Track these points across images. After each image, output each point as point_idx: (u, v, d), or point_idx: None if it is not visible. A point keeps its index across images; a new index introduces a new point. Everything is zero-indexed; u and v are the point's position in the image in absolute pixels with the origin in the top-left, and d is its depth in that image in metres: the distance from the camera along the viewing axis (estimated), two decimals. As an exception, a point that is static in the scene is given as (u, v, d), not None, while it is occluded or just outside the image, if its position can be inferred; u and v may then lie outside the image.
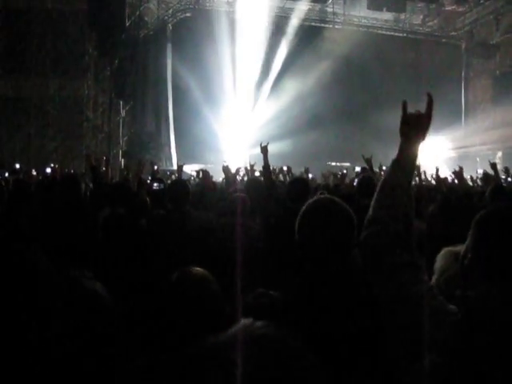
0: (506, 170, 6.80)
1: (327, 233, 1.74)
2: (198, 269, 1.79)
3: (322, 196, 1.94)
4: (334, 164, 16.76)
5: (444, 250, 1.94)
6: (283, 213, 4.18)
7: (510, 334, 1.10)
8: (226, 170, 5.85)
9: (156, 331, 1.71)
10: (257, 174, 7.53)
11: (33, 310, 1.38)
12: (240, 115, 18.40)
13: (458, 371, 1.10)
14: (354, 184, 6.11)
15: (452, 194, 4.87)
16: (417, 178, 6.49)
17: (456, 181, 6.11)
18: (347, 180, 6.91)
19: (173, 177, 8.19)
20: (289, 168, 7.59)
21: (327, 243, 1.74)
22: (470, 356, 1.09)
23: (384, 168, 7.21)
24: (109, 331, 1.54)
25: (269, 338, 0.72)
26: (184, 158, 17.52)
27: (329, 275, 1.76)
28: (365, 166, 6.45)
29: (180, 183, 4.59)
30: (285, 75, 18.27)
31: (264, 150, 4.99)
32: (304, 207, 1.85)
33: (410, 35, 19.99)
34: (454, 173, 6.10)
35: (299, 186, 4.47)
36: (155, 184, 5.18)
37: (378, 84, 18.47)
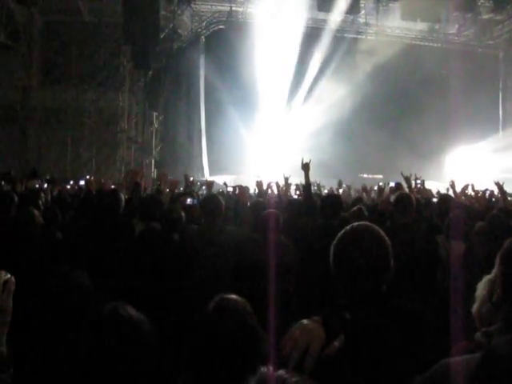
0: None
1: (362, 262, 1.79)
2: (237, 299, 1.73)
3: (357, 223, 1.96)
4: (366, 176, 16.63)
5: (486, 278, 1.94)
6: (316, 229, 4.21)
7: None
8: (259, 185, 5.90)
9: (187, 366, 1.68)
10: (292, 187, 7.53)
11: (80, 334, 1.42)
12: (273, 126, 18.46)
13: None
14: (391, 200, 6.06)
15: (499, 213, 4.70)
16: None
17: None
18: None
19: (203, 188, 8.28)
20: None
21: (362, 271, 1.78)
22: None
23: (420, 183, 7.12)
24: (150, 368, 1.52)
25: None
26: (216, 169, 17.72)
27: (362, 298, 1.80)
28: (399, 181, 6.39)
29: (213, 198, 4.66)
30: (318, 86, 18.28)
31: (305, 166, 4.86)
32: (341, 234, 1.89)
33: (444, 45, 19.72)
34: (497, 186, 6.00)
35: (332, 201, 4.47)
36: (188, 199, 5.27)
37: (413, 95, 18.25)
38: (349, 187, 8.67)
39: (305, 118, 18.37)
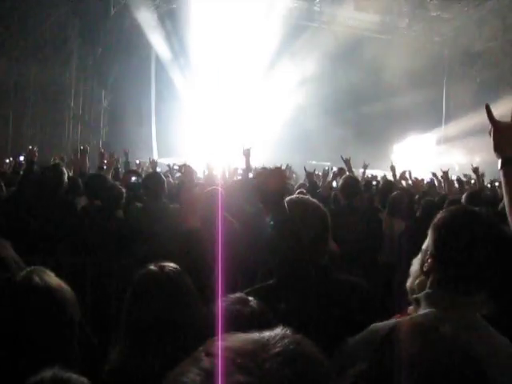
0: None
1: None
2: (173, 265, 1.79)
3: (295, 196, 1.99)
4: (314, 163, 16.87)
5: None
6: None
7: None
8: (209, 167, 5.89)
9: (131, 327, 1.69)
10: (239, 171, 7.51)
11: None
12: (224, 109, 18.34)
13: None
14: (333, 185, 6.20)
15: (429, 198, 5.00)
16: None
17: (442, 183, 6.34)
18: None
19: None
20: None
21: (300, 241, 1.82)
22: None
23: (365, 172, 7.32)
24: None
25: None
26: (165, 151, 17.45)
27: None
28: (342, 166, 6.52)
29: (155, 176, 4.60)
30: (271, 73, 18.28)
31: (246, 153, 5.07)
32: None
33: (395, 38, 20.17)
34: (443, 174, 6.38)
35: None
36: (133, 178, 5.18)
37: (362, 85, 18.64)
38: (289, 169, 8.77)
39: (257, 103, 18.38)
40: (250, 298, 1.63)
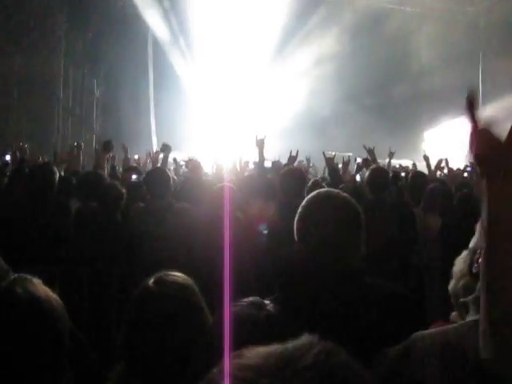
0: None
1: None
2: (179, 276, 1.78)
3: (325, 190, 1.99)
4: (333, 153, 16.80)
5: (464, 253, 2.00)
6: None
7: None
8: (218, 166, 5.91)
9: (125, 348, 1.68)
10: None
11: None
12: (231, 98, 18.32)
13: None
14: (357, 178, 6.18)
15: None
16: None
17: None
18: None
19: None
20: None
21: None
22: None
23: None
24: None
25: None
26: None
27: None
28: (365, 157, 6.50)
29: (159, 171, 4.61)
30: (282, 53, 18.24)
31: (260, 143, 5.06)
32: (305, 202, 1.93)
33: (422, 9, 19.99)
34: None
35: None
36: (133, 176, 5.21)
37: (384, 63, 18.47)
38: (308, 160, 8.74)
39: (267, 89, 18.33)
40: (267, 302, 1.60)
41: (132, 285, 3.57)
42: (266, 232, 4.32)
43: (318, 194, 1.95)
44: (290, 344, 0.65)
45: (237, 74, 18.21)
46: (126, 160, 6.50)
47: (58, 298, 1.53)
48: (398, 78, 18.51)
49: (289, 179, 4.50)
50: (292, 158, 6.30)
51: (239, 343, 0.68)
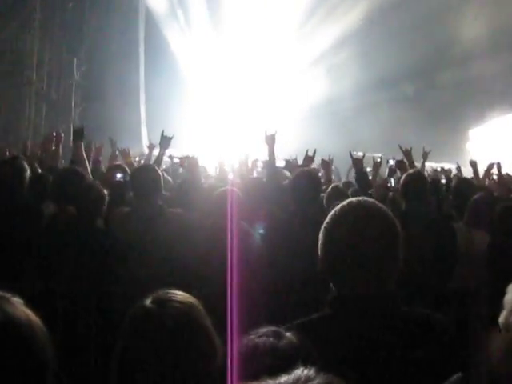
0: None
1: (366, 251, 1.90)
2: (182, 294, 1.75)
3: (357, 199, 2.01)
4: (359, 154, 16.75)
5: None
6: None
7: None
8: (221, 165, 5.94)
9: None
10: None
11: None
12: (238, 85, 18.33)
13: None
14: (389, 184, 6.16)
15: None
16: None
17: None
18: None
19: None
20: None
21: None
22: None
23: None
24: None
25: None
26: (159, 139, 17.46)
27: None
28: (399, 158, 6.48)
29: (147, 169, 4.62)
30: (299, 33, 18.26)
31: (270, 139, 5.07)
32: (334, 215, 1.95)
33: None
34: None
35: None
36: (118, 175, 5.21)
37: (421, 46, 18.36)
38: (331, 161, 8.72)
39: (280, 77, 18.33)
40: (285, 331, 1.63)
41: (116, 306, 3.60)
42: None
43: (350, 203, 1.96)
44: (284, 378, 0.71)
45: (244, 57, 18.21)
46: (114, 156, 6.52)
47: (41, 324, 1.50)
48: (439, 63, 18.44)
49: (301, 183, 4.51)
50: (308, 159, 6.31)
51: (256, 377, 0.69)
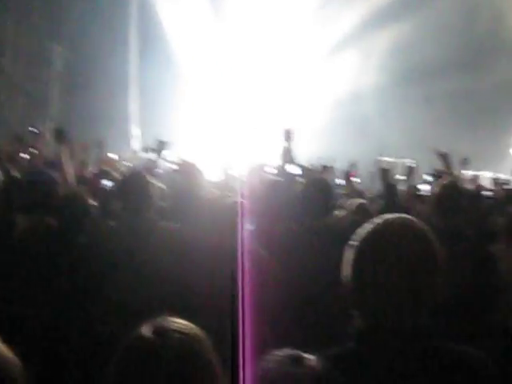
0: None
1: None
2: (183, 323, 1.75)
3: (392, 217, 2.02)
4: (387, 159, 16.76)
5: None
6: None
7: None
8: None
9: None
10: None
11: None
12: (245, 77, 18.37)
13: None
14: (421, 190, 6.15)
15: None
16: None
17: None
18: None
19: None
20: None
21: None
22: None
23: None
24: None
25: None
26: (151, 138, 17.48)
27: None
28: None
29: (137, 177, 4.62)
30: (316, 20, 18.33)
31: (288, 135, 5.06)
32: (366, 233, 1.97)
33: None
34: None
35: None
36: (105, 182, 5.23)
37: (461, 38, 18.41)
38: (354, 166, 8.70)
39: (295, 70, 18.39)
40: (307, 356, 1.66)
41: (100, 333, 3.60)
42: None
43: (386, 222, 1.99)
44: None
45: (253, 46, 18.26)
46: (102, 159, 6.54)
47: (15, 359, 1.52)
48: (481, 60, 18.41)
49: (311, 193, 4.54)
50: (327, 170, 6.32)
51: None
